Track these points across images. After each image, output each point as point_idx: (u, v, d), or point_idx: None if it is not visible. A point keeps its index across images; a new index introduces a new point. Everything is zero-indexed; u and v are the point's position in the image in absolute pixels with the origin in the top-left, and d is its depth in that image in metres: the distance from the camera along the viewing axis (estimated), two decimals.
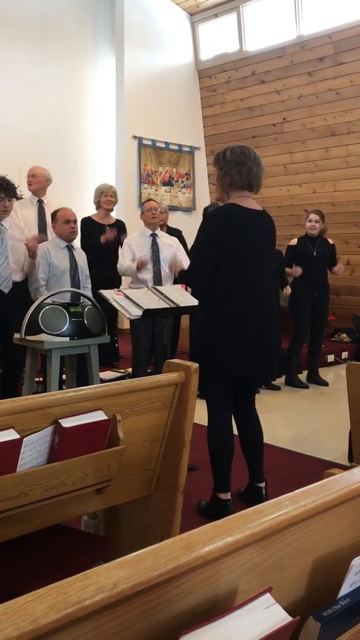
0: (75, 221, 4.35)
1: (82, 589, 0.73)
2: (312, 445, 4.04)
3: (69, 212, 4.37)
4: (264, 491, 2.99)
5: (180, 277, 2.76)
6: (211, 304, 2.81)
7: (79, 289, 4.24)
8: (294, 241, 5.78)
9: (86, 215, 5.66)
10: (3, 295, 4.00)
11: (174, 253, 4.89)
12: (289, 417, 4.79)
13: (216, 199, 3.08)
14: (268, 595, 0.86)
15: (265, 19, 7.92)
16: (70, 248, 4.35)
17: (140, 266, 4.67)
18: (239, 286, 2.75)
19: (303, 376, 5.84)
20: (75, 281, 4.28)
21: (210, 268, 2.76)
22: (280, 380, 5.68)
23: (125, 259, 4.83)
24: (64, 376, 4.38)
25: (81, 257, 4.45)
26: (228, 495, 2.86)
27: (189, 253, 5.40)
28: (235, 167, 2.77)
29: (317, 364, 5.87)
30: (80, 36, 8.00)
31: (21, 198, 4.32)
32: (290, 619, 0.84)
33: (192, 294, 3.20)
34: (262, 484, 3.00)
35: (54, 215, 4.43)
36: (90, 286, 4.49)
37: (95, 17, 8.15)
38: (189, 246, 5.62)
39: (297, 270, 5.55)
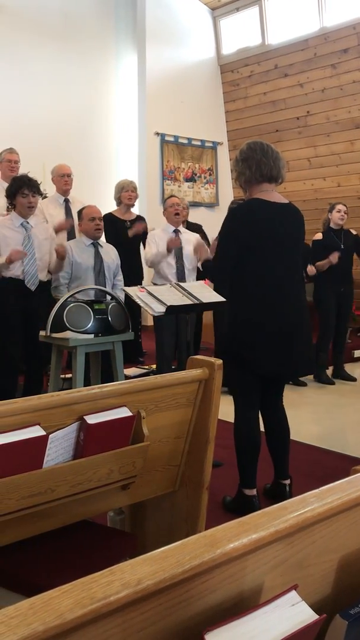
0: (100, 219, 4.35)
1: (107, 585, 0.73)
2: (338, 441, 4.01)
3: (94, 210, 4.38)
4: (287, 488, 2.97)
5: (205, 271, 2.75)
6: (237, 303, 2.79)
7: (104, 286, 4.25)
8: (319, 235, 5.69)
9: (107, 212, 5.68)
10: (30, 293, 4.04)
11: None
12: (316, 413, 4.75)
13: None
14: (294, 592, 0.85)
15: (288, 12, 7.83)
16: (96, 245, 4.36)
17: (171, 245, 4.54)
18: (263, 284, 2.73)
19: (329, 372, 5.78)
20: (99, 278, 4.29)
21: (229, 265, 2.75)
22: (306, 376, 5.64)
23: (151, 248, 4.75)
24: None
25: (110, 255, 4.41)
26: (253, 492, 2.86)
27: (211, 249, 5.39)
28: (244, 163, 2.78)
29: (343, 359, 5.81)
30: (102, 34, 8.02)
31: (45, 196, 4.34)
32: (316, 617, 0.83)
33: (216, 290, 3.18)
34: (287, 481, 2.98)
35: (80, 213, 4.46)
36: (121, 283, 4.48)
37: (116, 15, 8.16)
38: (210, 240, 5.61)
39: (335, 256, 5.42)
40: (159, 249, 4.74)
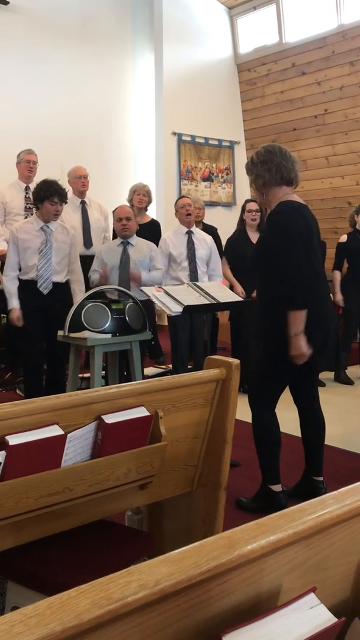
0: (127, 218, 4.32)
1: (125, 585, 0.73)
2: (357, 442, 3.97)
3: (122, 210, 4.40)
4: (323, 484, 2.97)
5: (292, 290, 2.57)
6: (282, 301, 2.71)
7: (128, 285, 4.26)
8: (344, 238, 5.65)
9: None
10: (47, 295, 4.06)
11: (209, 252, 4.83)
12: (334, 413, 4.71)
13: (259, 204, 3.05)
14: (312, 595, 0.85)
15: (305, 9, 7.78)
16: (125, 244, 4.37)
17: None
18: (318, 279, 2.75)
19: (349, 372, 5.74)
20: (123, 277, 4.30)
21: (305, 264, 2.66)
22: (326, 376, 5.59)
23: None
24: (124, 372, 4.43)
25: (142, 251, 4.37)
26: (280, 487, 2.87)
27: (225, 251, 5.34)
28: (263, 166, 2.75)
29: None
30: (119, 34, 8.04)
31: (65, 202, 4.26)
32: (335, 619, 0.82)
33: (303, 297, 2.76)
34: (321, 478, 3.00)
35: (113, 212, 4.51)
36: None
37: (133, 15, 8.17)
38: (224, 243, 5.58)
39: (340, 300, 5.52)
40: (172, 252, 4.71)
